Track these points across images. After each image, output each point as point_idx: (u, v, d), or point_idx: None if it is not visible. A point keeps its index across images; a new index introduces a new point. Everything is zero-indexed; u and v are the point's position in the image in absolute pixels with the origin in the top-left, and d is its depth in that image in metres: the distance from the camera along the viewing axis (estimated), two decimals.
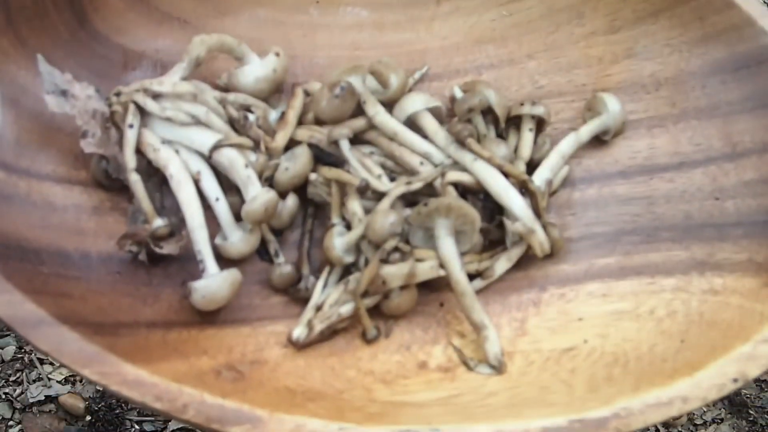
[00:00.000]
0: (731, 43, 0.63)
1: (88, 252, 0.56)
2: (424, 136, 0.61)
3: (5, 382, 0.96)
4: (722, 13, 0.63)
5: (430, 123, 0.61)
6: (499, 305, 0.60)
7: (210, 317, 0.56)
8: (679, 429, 0.94)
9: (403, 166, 0.60)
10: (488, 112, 0.63)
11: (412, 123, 0.62)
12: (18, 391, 0.95)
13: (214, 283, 0.54)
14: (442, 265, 0.56)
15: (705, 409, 0.92)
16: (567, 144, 0.63)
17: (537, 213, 0.59)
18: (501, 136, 0.64)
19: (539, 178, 0.61)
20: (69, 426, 0.98)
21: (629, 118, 0.65)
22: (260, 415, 0.43)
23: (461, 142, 0.59)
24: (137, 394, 0.44)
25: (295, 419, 0.43)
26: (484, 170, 0.59)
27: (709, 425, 0.93)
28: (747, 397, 0.94)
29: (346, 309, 0.56)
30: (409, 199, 0.60)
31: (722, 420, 0.93)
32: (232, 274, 0.55)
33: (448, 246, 0.56)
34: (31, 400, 0.96)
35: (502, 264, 0.60)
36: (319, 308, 0.56)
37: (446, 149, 0.60)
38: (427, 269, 0.56)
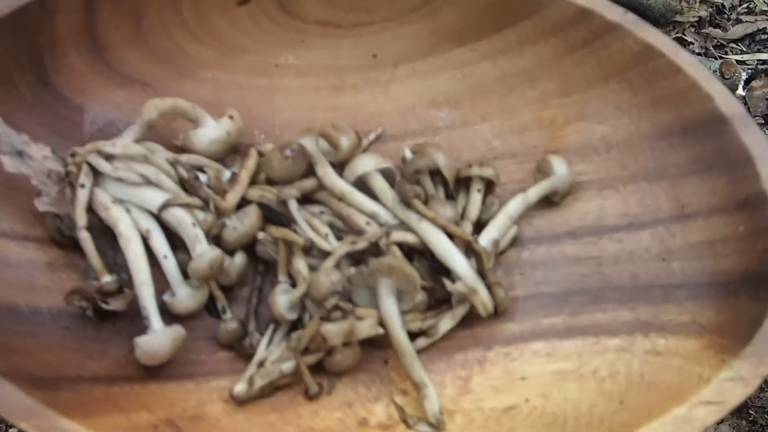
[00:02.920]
0: (678, 107, 0.64)
1: (39, 307, 0.57)
2: (375, 196, 0.63)
3: None
4: (669, 78, 0.64)
5: (379, 183, 0.63)
6: (444, 363, 0.60)
7: (155, 372, 0.57)
8: None
9: (351, 226, 0.62)
10: (438, 173, 0.65)
11: (363, 184, 0.63)
12: None
13: (156, 339, 0.55)
14: (382, 324, 0.57)
15: None
16: (515, 205, 0.64)
17: (482, 273, 0.60)
18: (451, 196, 0.65)
19: (486, 239, 0.62)
20: None
21: (580, 179, 0.66)
22: None
23: (407, 203, 0.61)
24: None
25: None
26: (428, 231, 0.60)
27: None
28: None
29: (288, 366, 0.57)
30: (356, 258, 0.61)
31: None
32: (176, 331, 0.56)
33: (389, 305, 0.57)
34: None
35: (445, 323, 0.60)
36: (261, 364, 0.57)
37: (394, 209, 0.62)
38: (366, 327, 0.57)
